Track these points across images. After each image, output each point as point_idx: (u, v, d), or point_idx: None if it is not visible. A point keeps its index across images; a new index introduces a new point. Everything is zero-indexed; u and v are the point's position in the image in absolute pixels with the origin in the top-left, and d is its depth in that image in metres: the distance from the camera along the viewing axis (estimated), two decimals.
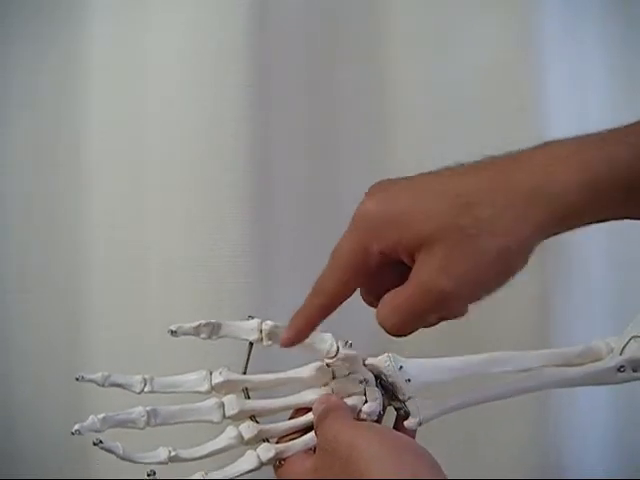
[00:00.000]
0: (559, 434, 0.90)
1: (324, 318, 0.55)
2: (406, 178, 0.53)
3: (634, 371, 0.63)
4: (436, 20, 0.88)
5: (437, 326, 0.57)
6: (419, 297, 0.50)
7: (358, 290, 0.56)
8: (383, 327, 0.52)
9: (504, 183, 0.50)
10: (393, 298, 0.51)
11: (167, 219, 0.82)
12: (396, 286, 0.52)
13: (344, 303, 0.55)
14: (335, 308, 0.54)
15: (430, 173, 0.53)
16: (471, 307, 0.55)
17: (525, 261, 0.51)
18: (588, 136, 0.51)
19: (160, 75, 0.82)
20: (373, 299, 0.55)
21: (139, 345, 0.82)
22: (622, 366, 0.63)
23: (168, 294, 0.81)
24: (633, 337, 0.64)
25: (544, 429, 0.89)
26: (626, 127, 0.51)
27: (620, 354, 0.64)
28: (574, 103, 0.91)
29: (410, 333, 0.52)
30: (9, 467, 0.85)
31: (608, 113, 0.92)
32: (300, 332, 0.55)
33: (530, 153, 0.51)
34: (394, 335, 0.52)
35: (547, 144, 0.52)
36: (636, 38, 0.94)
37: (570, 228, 0.51)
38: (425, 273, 0.49)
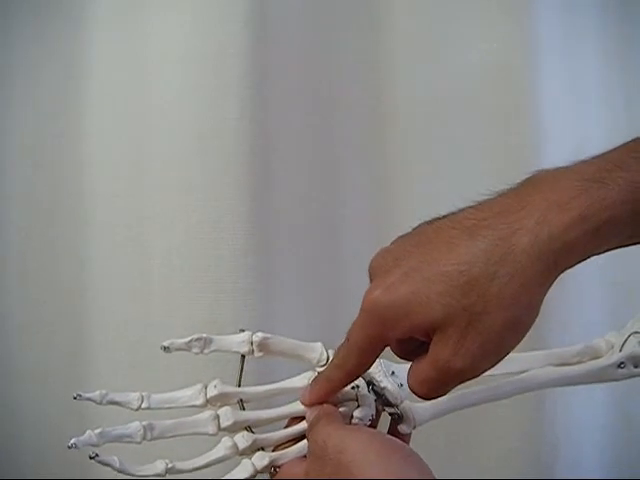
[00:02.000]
0: (554, 434, 0.90)
1: (346, 386, 0.58)
2: (405, 251, 0.53)
3: (635, 367, 0.63)
4: (434, 22, 0.88)
5: None
6: (438, 375, 0.51)
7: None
8: (415, 394, 0.54)
9: (504, 249, 0.49)
10: (417, 373, 0.53)
11: (167, 219, 0.82)
12: (421, 344, 0.53)
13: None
14: (357, 378, 0.58)
15: (428, 239, 0.53)
16: None
17: (536, 315, 0.52)
18: (582, 168, 0.51)
19: (160, 76, 0.82)
20: (400, 355, 0.57)
21: (139, 344, 0.82)
22: (622, 362, 0.63)
23: (168, 294, 0.82)
24: (633, 333, 0.64)
25: (539, 430, 0.89)
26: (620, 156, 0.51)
27: (620, 350, 0.64)
28: (571, 103, 0.91)
29: (443, 395, 0.54)
30: (11, 472, 0.86)
31: (605, 113, 0.92)
32: (320, 399, 0.57)
33: (522, 201, 0.51)
34: (427, 399, 0.55)
35: (539, 184, 0.51)
36: (633, 40, 0.93)
37: (579, 262, 0.51)
38: (440, 355, 0.51)
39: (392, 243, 0.56)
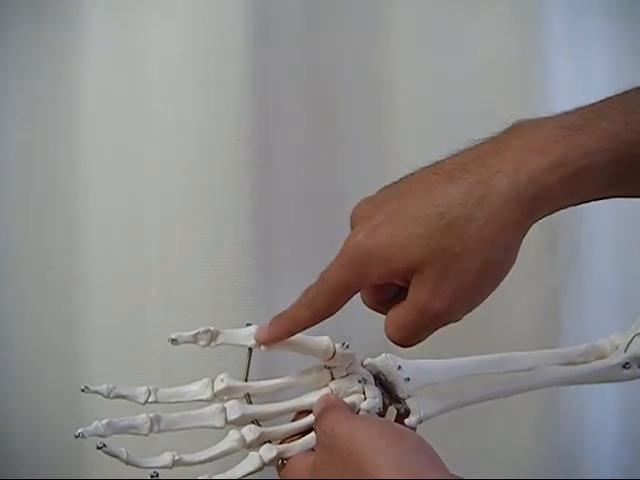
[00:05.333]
0: (570, 431, 0.90)
1: (307, 328, 0.57)
2: (387, 197, 0.55)
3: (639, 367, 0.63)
4: (438, 17, 0.88)
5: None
6: (417, 318, 0.52)
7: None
8: (392, 341, 0.55)
9: (482, 192, 0.50)
10: (395, 318, 0.54)
11: (167, 219, 0.81)
12: (395, 292, 0.55)
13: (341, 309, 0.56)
14: (320, 322, 0.56)
15: (410, 185, 0.54)
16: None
17: (513, 260, 0.52)
18: (563, 117, 0.52)
19: (160, 75, 0.82)
20: (373, 304, 0.58)
21: (138, 344, 0.82)
22: (627, 363, 0.63)
23: (168, 294, 0.81)
24: (638, 334, 0.64)
25: (555, 426, 0.90)
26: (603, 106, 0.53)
27: (625, 351, 0.64)
28: (578, 100, 0.90)
29: (419, 342, 0.55)
30: (7, 471, 0.85)
31: None
32: (278, 337, 0.57)
33: (501, 146, 0.52)
34: (404, 347, 0.55)
35: (519, 130, 0.53)
36: None
37: (555, 211, 0.52)
38: (419, 297, 0.52)
39: (376, 192, 0.57)
